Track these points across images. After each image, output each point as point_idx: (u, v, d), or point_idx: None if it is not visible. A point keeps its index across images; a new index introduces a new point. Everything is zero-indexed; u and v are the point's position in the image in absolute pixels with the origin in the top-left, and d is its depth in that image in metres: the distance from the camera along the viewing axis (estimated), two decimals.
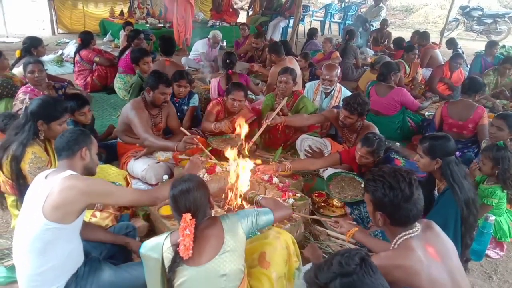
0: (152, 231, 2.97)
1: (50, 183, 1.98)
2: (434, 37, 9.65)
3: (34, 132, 2.67)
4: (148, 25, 9.50)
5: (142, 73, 4.93)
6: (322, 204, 3.43)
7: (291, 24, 11.01)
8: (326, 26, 13.05)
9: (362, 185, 3.23)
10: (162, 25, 9.50)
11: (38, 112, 2.67)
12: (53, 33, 10.79)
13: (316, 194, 3.50)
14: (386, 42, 9.22)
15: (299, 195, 3.18)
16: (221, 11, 11.09)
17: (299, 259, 2.15)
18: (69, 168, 2.10)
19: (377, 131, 3.64)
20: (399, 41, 7.93)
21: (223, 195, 3.19)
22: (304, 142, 4.10)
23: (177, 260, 1.77)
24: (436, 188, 2.77)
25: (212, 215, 2.02)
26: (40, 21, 11.64)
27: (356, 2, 14.33)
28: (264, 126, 3.71)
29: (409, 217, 1.75)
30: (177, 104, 4.53)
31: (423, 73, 6.91)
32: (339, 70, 4.43)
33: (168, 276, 1.79)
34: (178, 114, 4.50)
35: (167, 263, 1.81)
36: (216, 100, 4.24)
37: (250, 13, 12.38)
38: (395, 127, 4.90)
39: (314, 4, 18.86)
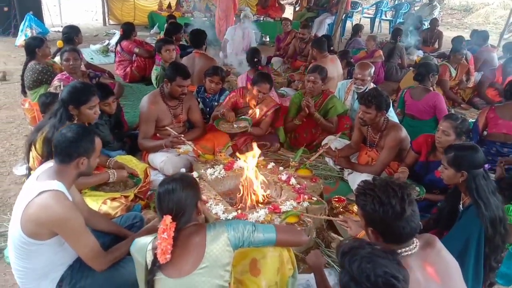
0: None
1: (36, 189, 1.90)
2: (493, 39, 9.00)
3: (66, 116, 2.74)
4: (192, 18, 9.60)
5: (164, 61, 4.98)
6: (341, 210, 3.26)
7: None
8: (376, 23, 12.56)
9: (417, 188, 3.15)
10: (206, 18, 9.56)
11: (67, 98, 2.76)
12: (104, 24, 11.20)
13: (336, 199, 3.32)
14: (436, 43, 8.71)
15: (315, 198, 3.04)
16: (267, 6, 10.99)
17: (293, 266, 2.03)
18: (59, 175, 1.99)
19: (404, 131, 3.44)
20: (459, 40, 6.97)
21: (238, 193, 3.14)
22: (330, 144, 3.93)
23: (156, 263, 1.70)
24: (461, 202, 2.53)
25: (200, 222, 1.90)
26: (94, 12, 12.12)
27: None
28: (320, 152, 3.69)
29: (401, 235, 1.59)
30: (207, 100, 4.54)
31: (475, 77, 6.42)
32: (372, 69, 4.21)
33: (148, 279, 1.72)
34: (208, 109, 4.53)
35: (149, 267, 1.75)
36: (233, 92, 4.19)
37: (297, 8, 12.20)
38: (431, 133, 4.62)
39: (367, 1, 18.25)
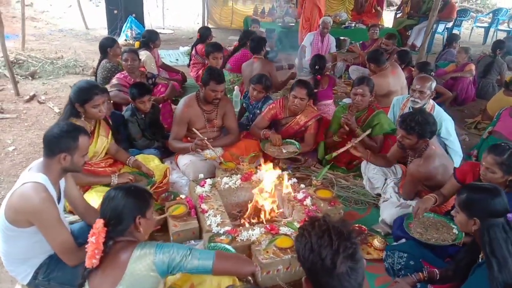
0: (165, 225, 2.95)
1: (24, 179, 2.03)
2: None
3: (72, 113, 2.90)
4: (280, 24, 9.57)
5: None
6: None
7: (440, 29, 9.75)
8: (490, 34, 11.13)
9: (454, 231, 2.60)
10: (293, 24, 9.43)
11: (73, 96, 2.92)
12: None
13: (356, 228, 2.98)
14: None
15: None
16: (362, 12, 10.48)
17: None
18: (45, 168, 2.09)
19: (434, 163, 2.93)
20: None
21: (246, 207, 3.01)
22: (369, 166, 3.54)
23: (84, 271, 1.69)
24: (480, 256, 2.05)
25: (139, 239, 1.82)
26: (196, 15, 12.83)
27: None
28: (347, 146, 3.39)
29: None
30: (250, 106, 4.47)
31: None
32: (434, 83, 3.66)
33: (80, 283, 1.74)
34: (251, 116, 4.45)
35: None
36: (274, 103, 4.02)
37: (399, 15, 11.40)
38: None
39: (487, 8, 16.29)
